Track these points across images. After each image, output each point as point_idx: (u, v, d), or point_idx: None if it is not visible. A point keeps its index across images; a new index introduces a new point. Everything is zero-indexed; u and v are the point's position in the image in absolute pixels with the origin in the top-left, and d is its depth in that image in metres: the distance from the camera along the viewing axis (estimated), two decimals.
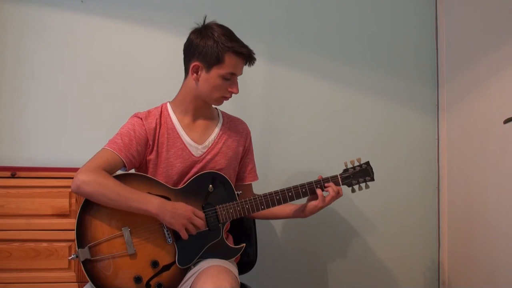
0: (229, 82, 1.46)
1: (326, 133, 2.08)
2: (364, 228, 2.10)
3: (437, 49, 2.12)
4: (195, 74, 1.45)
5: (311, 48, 2.08)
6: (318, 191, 1.49)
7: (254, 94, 2.03)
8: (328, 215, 2.03)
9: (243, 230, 1.70)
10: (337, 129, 2.09)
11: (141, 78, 2.00)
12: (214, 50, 1.41)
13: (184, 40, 1.49)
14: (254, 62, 1.47)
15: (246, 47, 1.44)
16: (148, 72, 2.00)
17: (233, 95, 1.50)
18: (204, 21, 1.48)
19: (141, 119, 1.48)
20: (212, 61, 1.42)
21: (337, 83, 2.09)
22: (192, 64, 1.44)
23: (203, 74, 1.44)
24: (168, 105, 1.54)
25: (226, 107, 1.60)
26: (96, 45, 1.98)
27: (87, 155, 1.42)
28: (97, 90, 1.98)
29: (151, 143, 1.47)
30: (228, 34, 1.44)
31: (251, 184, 1.65)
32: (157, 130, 1.48)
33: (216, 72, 1.43)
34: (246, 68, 1.50)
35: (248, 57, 1.45)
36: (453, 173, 2.04)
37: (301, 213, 1.54)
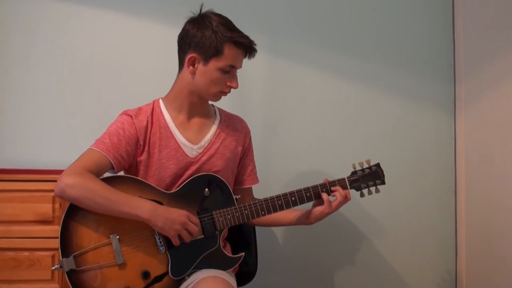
0: (228, 76, 1.46)
1: (333, 133, 2.08)
2: (374, 236, 2.10)
3: (454, 41, 2.12)
4: (191, 67, 1.45)
5: (316, 41, 2.07)
6: (324, 195, 1.49)
7: (254, 90, 2.03)
8: (334, 222, 2.02)
9: (242, 238, 1.70)
10: (345, 128, 2.09)
11: (131, 72, 2.00)
12: (212, 40, 1.41)
13: (178, 31, 1.49)
14: (254, 54, 1.48)
15: (246, 37, 1.45)
16: (138, 66, 2.00)
17: (231, 90, 1.50)
18: (201, 10, 1.48)
19: (131, 117, 1.48)
20: (210, 52, 1.42)
21: (345, 79, 2.09)
22: (188, 56, 1.44)
23: (200, 66, 1.44)
24: (161, 102, 1.53)
25: (223, 104, 1.60)
26: (82, 37, 1.99)
27: (72, 156, 1.41)
28: (84, 86, 1.98)
29: (141, 143, 1.47)
30: (227, 23, 1.44)
31: (251, 187, 1.65)
32: (149, 129, 1.48)
33: (214, 64, 1.43)
34: (245, 61, 1.50)
35: (249, 48, 1.45)
36: (471, 176, 2.03)
37: (306, 219, 1.53)
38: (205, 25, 1.42)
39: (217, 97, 1.51)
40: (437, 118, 2.12)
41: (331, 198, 1.50)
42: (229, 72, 1.45)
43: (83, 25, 1.99)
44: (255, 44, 1.46)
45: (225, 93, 1.50)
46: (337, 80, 2.08)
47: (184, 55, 1.47)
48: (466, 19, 2.06)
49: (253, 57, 1.48)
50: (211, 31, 1.41)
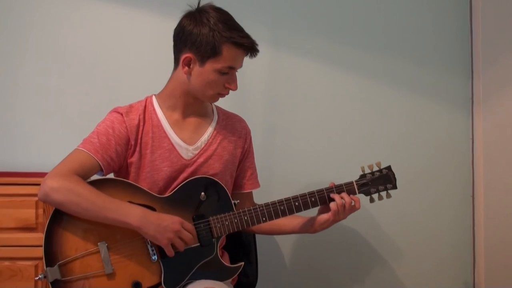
0: (227, 77, 1.45)
1: (340, 133, 2.08)
2: (383, 245, 2.10)
3: (471, 32, 2.12)
4: (186, 67, 1.45)
5: (322, 34, 2.07)
6: (332, 203, 1.48)
7: (254, 88, 2.03)
8: (341, 229, 2.02)
9: (241, 246, 1.70)
10: (353, 128, 2.09)
11: (122, 66, 2.00)
12: (209, 40, 1.40)
13: (174, 22, 1.49)
14: (256, 54, 1.47)
15: (247, 37, 1.43)
16: (130, 60, 2.00)
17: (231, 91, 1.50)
18: (199, 4, 1.47)
19: (122, 114, 1.48)
20: (207, 53, 1.41)
21: (353, 75, 2.09)
22: (183, 56, 1.44)
23: (196, 67, 1.44)
24: (154, 99, 1.54)
25: (220, 102, 1.60)
26: (68, 28, 1.98)
27: (57, 157, 1.41)
28: (70, 81, 1.98)
29: (133, 143, 1.47)
30: (226, 20, 1.43)
31: (251, 192, 1.65)
32: (140, 128, 1.49)
33: (211, 65, 1.43)
34: (245, 58, 1.49)
35: (249, 49, 1.44)
36: (490, 179, 2.03)
37: (310, 227, 1.54)
38: (202, 22, 1.41)
39: (214, 99, 1.51)
40: (453, 116, 2.12)
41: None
42: (228, 73, 1.45)
43: (69, 15, 1.99)
44: (256, 44, 1.45)
45: (223, 95, 1.50)
46: (344, 76, 2.09)
47: (179, 53, 1.47)
48: (484, 8, 2.05)
49: (254, 56, 1.47)
50: (208, 29, 1.40)
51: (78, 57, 1.98)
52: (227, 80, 1.46)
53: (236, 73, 1.49)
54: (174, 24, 1.49)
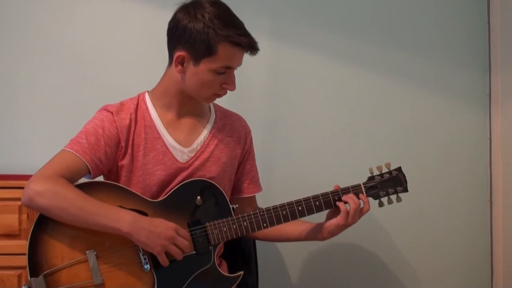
0: (224, 77, 1.45)
1: (346, 132, 2.09)
2: (395, 253, 2.10)
3: (488, 25, 2.12)
4: (180, 66, 1.45)
5: (327, 25, 2.08)
6: (341, 204, 1.48)
7: (254, 83, 2.04)
8: (348, 235, 2.00)
9: (241, 254, 1.71)
10: (361, 126, 2.09)
11: (112, 61, 2.00)
12: (203, 38, 1.39)
13: (169, 12, 1.48)
14: (256, 53, 1.45)
15: (246, 35, 1.42)
16: (122, 54, 2.01)
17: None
18: None
19: (112, 113, 1.48)
20: (201, 52, 1.40)
21: (361, 69, 2.09)
22: (177, 54, 1.43)
23: (190, 66, 1.44)
24: (147, 96, 1.54)
25: (218, 100, 1.60)
26: (54, 19, 1.99)
27: (42, 158, 1.42)
28: (56, 76, 1.98)
29: (123, 144, 1.47)
30: (223, 16, 1.41)
31: (253, 196, 1.66)
32: (132, 128, 1.49)
33: (206, 65, 1.42)
34: (245, 55, 1.48)
35: (248, 48, 1.43)
36: (509, 182, 2.03)
37: (318, 234, 1.53)
38: (196, 17, 1.40)
39: (210, 99, 1.52)
40: (469, 114, 2.12)
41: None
42: (225, 72, 1.45)
43: (54, 8, 1.99)
44: (256, 43, 1.43)
45: (220, 95, 1.50)
46: (351, 71, 2.09)
47: (172, 50, 1.46)
48: None
49: (254, 54, 1.46)
50: (202, 25, 1.39)
51: (64, 52, 1.99)
52: (224, 79, 1.45)
53: (235, 71, 1.48)
54: (169, 15, 1.48)
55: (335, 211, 1.50)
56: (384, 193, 1.54)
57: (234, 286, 1.50)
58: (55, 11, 1.98)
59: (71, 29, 1.99)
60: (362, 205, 1.49)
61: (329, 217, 1.53)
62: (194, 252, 1.43)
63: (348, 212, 1.47)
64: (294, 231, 1.58)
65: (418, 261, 2.10)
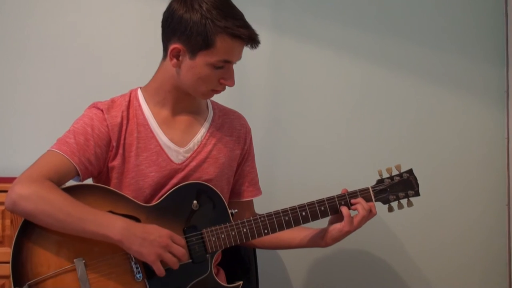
0: (222, 71, 1.45)
1: (354, 131, 2.08)
2: (405, 261, 2.10)
3: (506, 15, 2.11)
4: (175, 59, 1.45)
5: (333, 15, 2.07)
6: (344, 209, 1.49)
7: (254, 79, 2.04)
8: (355, 240, 2.00)
9: (240, 262, 1.71)
10: (369, 125, 2.09)
11: (102, 54, 2.00)
12: (200, 29, 1.39)
13: (165, 5, 1.48)
14: (257, 46, 1.45)
15: (246, 27, 1.42)
16: (112, 46, 2.01)
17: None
18: None
19: (102, 111, 1.48)
20: (197, 44, 1.40)
21: (369, 63, 2.09)
22: (172, 46, 1.43)
23: (185, 60, 1.44)
24: (140, 93, 1.54)
25: (216, 96, 1.59)
26: (38, 10, 1.98)
27: (27, 160, 1.41)
28: (42, 72, 1.98)
29: (114, 144, 1.48)
30: (222, 6, 1.41)
31: (251, 200, 1.66)
32: (124, 127, 1.49)
33: (203, 59, 1.42)
34: (244, 48, 1.48)
35: (248, 41, 1.43)
36: None
37: (321, 240, 1.53)
38: (193, 7, 1.40)
39: (207, 95, 1.52)
40: (485, 112, 2.11)
41: (352, 212, 1.50)
42: (223, 67, 1.45)
43: None
44: (256, 35, 1.43)
45: (217, 91, 1.50)
46: (358, 65, 2.08)
47: (167, 42, 1.46)
48: None
49: (255, 48, 1.46)
50: (199, 16, 1.39)
51: (49, 45, 1.98)
52: (222, 74, 1.45)
53: (234, 65, 1.48)
54: (164, 5, 1.48)
55: (339, 216, 1.50)
56: (394, 197, 1.54)
57: None
58: (38, 4, 1.98)
59: (55, 20, 1.98)
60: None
61: (332, 222, 1.53)
62: (190, 260, 1.43)
63: (352, 217, 1.47)
64: (295, 238, 1.58)
65: (430, 268, 2.10)
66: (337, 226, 1.49)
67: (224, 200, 1.51)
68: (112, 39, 2.00)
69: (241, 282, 1.49)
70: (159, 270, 1.36)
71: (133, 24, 2.00)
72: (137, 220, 1.41)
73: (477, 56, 2.11)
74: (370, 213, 1.49)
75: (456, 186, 2.10)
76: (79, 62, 1.99)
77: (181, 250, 1.38)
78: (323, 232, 1.53)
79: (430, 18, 2.10)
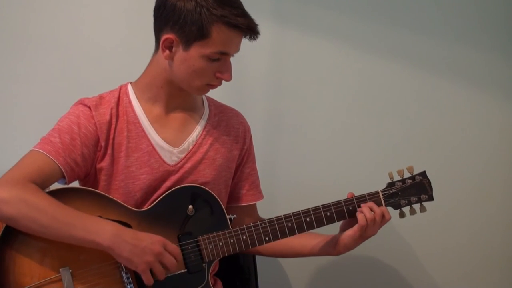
0: (218, 64, 1.45)
1: (361, 129, 2.09)
2: (417, 269, 2.10)
3: None
4: (167, 51, 1.45)
5: (339, 5, 2.07)
6: (359, 215, 1.47)
7: (253, 72, 2.04)
8: (362, 246, 2.00)
9: (239, 272, 1.72)
10: (378, 123, 2.09)
11: (89, 47, 2.00)
12: (195, 18, 1.39)
13: None
14: (256, 37, 1.46)
15: (244, 15, 1.42)
16: (100, 39, 2.00)
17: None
18: None
19: (90, 108, 1.48)
20: (192, 34, 1.40)
21: (378, 56, 2.09)
22: (164, 37, 1.43)
23: (179, 51, 1.44)
24: (130, 88, 1.54)
25: (211, 91, 1.59)
26: (21, 3, 1.98)
27: (9, 161, 1.42)
28: (23, 65, 1.98)
29: (103, 144, 1.48)
30: None
31: (253, 205, 1.66)
32: (113, 125, 1.49)
33: (197, 50, 1.42)
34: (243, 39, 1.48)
35: (246, 31, 1.43)
36: None
37: (333, 249, 1.54)
38: None
39: (202, 91, 1.52)
40: (503, 108, 2.11)
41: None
42: (219, 59, 1.45)
43: None
44: (256, 25, 1.44)
45: (213, 86, 1.50)
46: (366, 59, 2.08)
47: (159, 33, 1.46)
48: None
49: (254, 39, 1.46)
50: (194, 4, 1.38)
51: (32, 37, 1.98)
52: (218, 68, 1.45)
53: (232, 58, 1.48)
54: None
55: (350, 221, 1.51)
56: (406, 201, 1.54)
57: None
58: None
59: (42, 11, 1.99)
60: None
61: (343, 229, 1.53)
62: (185, 270, 1.44)
63: (366, 223, 1.47)
64: (305, 246, 1.59)
65: (443, 277, 2.10)
66: (350, 232, 1.49)
67: (222, 205, 1.51)
68: (100, 30, 2.00)
69: None
70: (148, 279, 1.37)
71: (122, 15, 2.00)
72: (128, 226, 1.41)
73: (501, 51, 2.08)
74: (384, 219, 1.49)
75: (476, 191, 2.10)
76: (65, 55, 1.98)
77: (172, 261, 1.38)
78: (335, 239, 1.53)
79: (450, 9, 2.08)
